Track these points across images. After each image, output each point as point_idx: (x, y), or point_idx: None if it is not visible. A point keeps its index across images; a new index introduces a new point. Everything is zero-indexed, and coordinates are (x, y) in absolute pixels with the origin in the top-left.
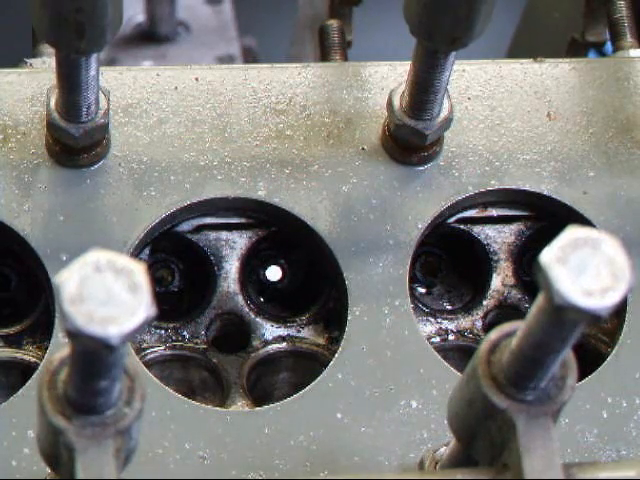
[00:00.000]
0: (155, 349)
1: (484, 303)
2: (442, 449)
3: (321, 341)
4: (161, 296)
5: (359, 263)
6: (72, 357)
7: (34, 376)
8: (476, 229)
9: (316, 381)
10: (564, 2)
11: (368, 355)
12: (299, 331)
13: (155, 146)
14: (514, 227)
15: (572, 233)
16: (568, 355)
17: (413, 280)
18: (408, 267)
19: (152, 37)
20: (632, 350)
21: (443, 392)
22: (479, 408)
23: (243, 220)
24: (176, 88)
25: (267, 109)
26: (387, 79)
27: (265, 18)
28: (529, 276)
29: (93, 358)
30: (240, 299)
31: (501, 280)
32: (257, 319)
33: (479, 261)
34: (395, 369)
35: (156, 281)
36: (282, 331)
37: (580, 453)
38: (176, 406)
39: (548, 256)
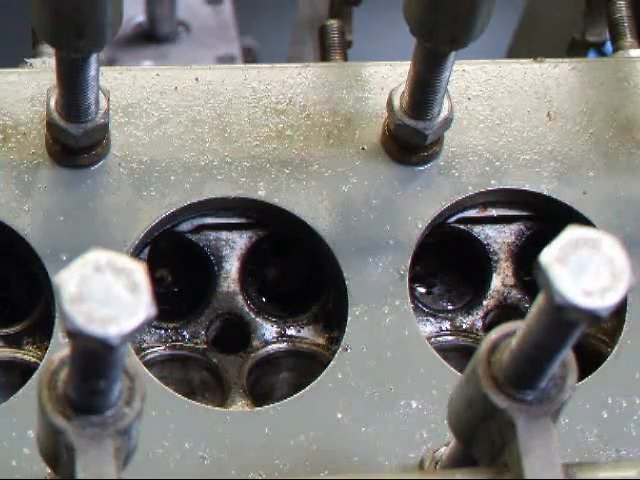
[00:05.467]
0: (155, 349)
1: (484, 303)
2: (442, 449)
3: (321, 341)
4: (161, 296)
5: (359, 263)
6: (72, 357)
7: (34, 376)
8: (476, 229)
9: (316, 381)
10: (564, 2)
11: (368, 355)
12: (299, 331)
13: (155, 146)
14: (514, 227)
15: (572, 233)
16: (568, 355)
17: (413, 280)
18: (408, 267)
19: (152, 37)
20: (632, 350)
21: (443, 392)
22: (479, 408)
23: (243, 220)
24: (176, 88)
25: (267, 109)
26: (387, 79)
27: (265, 18)
28: (529, 276)
29: (93, 358)
30: (240, 299)
31: (501, 280)
32: (257, 319)
33: (479, 261)
34: (395, 369)
35: (156, 281)
36: (282, 331)
37: (580, 453)
38: (176, 406)
39: (548, 256)
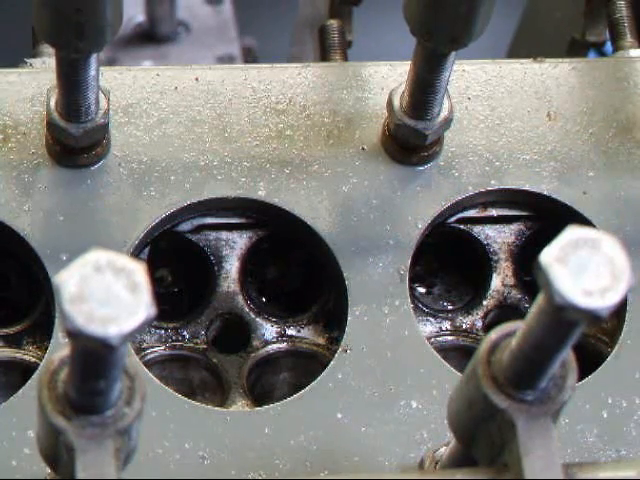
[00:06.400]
0: (155, 349)
1: (484, 303)
2: (442, 449)
3: (321, 341)
4: (161, 296)
5: (359, 263)
6: (72, 357)
7: (34, 376)
8: (476, 229)
9: (316, 381)
10: (564, 2)
11: (368, 355)
12: (299, 331)
13: (155, 146)
14: (514, 227)
15: (572, 233)
16: (568, 355)
17: (413, 280)
18: (408, 267)
19: (152, 37)
20: (632, 350)
21: (443, 392)
22: (479, 408)
23: (243, 220)
24: (176, 88)
25: (267, 109)
26: (387, 79)
27: (265, 18)
28: (529, 276)
29: (93, 358)
30: (240, 299)
31: (501, 280)
32: (257, 319)
33: (479, 261)
34: (395, 369)
35: (156, 281)
36: (282, 331)
37: (580, 453)
38: (176, 406)
39: (548, 256)
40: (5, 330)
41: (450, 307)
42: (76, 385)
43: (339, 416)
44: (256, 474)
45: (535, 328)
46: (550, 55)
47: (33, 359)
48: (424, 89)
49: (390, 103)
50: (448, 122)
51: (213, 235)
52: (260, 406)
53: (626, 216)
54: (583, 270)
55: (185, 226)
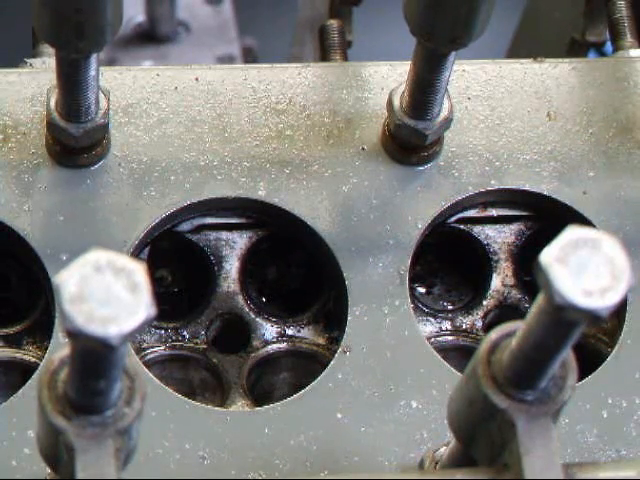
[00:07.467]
0: (155, 349)
1: (484, 303)
2: (442, 449)
3: (321, 341)
4: (161, 296)
5: (359, 263)
6: (72, 357)
7: (34, 376)
8: (476, 229)
9: (316, 381)
10: (564, 2)
11: (368, 355)
12: (299, 331)
13: (155, 146)
14: (514, 227)
15: (572, 233)
16: (568, 355)
17: (413, 280)
18: (408, 267)
19: (152, 37)
20: (632, 350)
21: (443, 392)
22: (479, 408)
23: (243, 220)
24: (176, 88)
25: (267, 109)
26: (387, 79)
27: (265, 18)
28: (529, 276)
29: (93, 358)
30: (240, 299)
31: (501, 280)
32: (257, 319)
33: (479, 261)
34: (395, 369)
35: (156, 281)
36: (282, 331)
37: (580, 453)
38: (176, 406)
39: (548, 256)
40: (5, 330)
41: (450, 307)
42: (76, 385)
43: (339, 416)
44: (256, 474)
45: (535, 328)
46: (550, 55)
47: (33, 359)
48: (424, 89)
49: (390, 103)
50: (448, 122)
51: (213, 235)
52: (260, 406)
53: (626, 216)
54: (583, 270)
55: (185, 226)
